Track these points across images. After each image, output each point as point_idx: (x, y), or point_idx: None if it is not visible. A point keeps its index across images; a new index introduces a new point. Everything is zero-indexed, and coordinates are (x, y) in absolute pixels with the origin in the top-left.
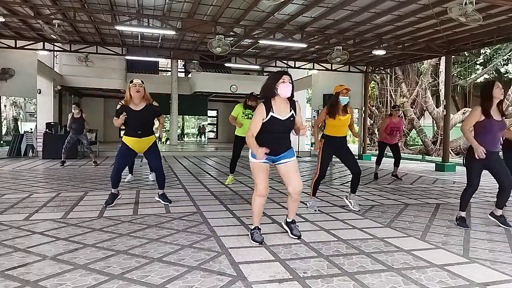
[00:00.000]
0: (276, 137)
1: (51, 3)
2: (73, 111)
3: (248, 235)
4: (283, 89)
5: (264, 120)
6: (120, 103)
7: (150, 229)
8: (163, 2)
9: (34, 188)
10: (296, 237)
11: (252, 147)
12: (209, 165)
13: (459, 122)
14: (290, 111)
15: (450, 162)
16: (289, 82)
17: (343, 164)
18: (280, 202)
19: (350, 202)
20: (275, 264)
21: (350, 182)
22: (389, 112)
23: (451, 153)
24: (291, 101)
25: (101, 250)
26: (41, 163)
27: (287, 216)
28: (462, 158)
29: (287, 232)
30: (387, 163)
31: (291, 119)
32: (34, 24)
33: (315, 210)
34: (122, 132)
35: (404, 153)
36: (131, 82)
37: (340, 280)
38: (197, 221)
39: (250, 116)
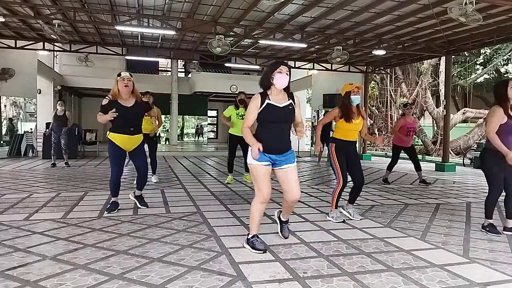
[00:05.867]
0: (276, 130)
1: (51, 3)
2: (58, 107)
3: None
4: (279, 79)
5: (261, 109)
6: (107, 97)
7: (150, 229)
8: (163, 2)
9: (34, 188)
10: (283, 238)
11: (248, 139)
12: (209, 165)
13: (459, 122)
14: (288, 100)
15: (450, 162)
16: (286, 73)
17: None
18: (280, 202)
19: (348, 212)
20: (275, 264)
21: (349, 192)
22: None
23: (451, 153)
24: (289, 93)
25: (101, 250)
26: (41, 163)
27: (281, 212)
28: (462, 158)
29: (277, 224)
30: (386, 163)
31: (290, 107)
32: (34, 24)
33: (343, 221)
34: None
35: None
36: (119, 75)
37: (340, 280)
38: (197, 221)
39: (243, 116)
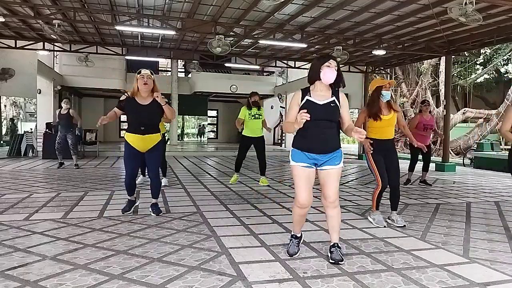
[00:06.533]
0: (316, 129)
1: (51, 3)
2: (63, 105)
3: (248, 235)
4: (327, 73)
5: (300, 105)
6: (125, 94)
7: (150, 229)
8: (163, 2)
9: (34, 188)
10: (333, 261)
11: (288, 124)
12: (209, 165)
13: (459, 122)
14: (332, 97)
15: (450, 162)
16: (335, 68)
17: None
18: (280, 202)
19: (392, 220)
20: (275, 264)
21: (389, 199)
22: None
23: (451, 153)
24: (334, 89)
25: (101, 250)
26: (41, 163)
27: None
28: (462, 158)
29: (328, 257)
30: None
31: (332, 105)
32: (34, 24)
33: (384, 226)
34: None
35: (404, 153)
36: (139, 72)
37: (340, 280)
38: (197, 221)
39: (256, 116)
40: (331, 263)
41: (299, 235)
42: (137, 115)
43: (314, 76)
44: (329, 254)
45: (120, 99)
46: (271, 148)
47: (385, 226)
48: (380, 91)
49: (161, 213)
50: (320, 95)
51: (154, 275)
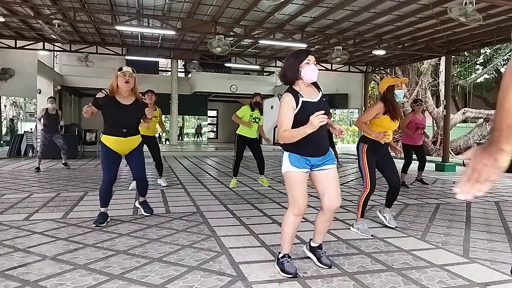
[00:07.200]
0: (314, 132)
1: (51, 3)
2: (48, 104)
3: (248, 235)
4: (308, 72)
5: (296, 110)
6: (104, 91)
7: (150, 229)
8: (163, 2)
9: (34, 188)
10: (327, 267)
11: (300, 132)
12: (209, 165)
13: (459, 122)
14: (319, 92)
15: (450, 162)
16: (314, 64)
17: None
18: (280, 202)
19: (384, 216)
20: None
21: (386, 195)
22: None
23: (451, 153)
24: (315, 84)
25: (101, 250)
26: (41, 163)
27: (311, 240)
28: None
29: (311, 259)
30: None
31: (323, 99)
32: (34, 24)
33: (372, 235)
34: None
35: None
36: (120, 69)
37: (340, 280)
38: (197, 221)
39: (257, 120)
40: (319, 267)
41: (291, 253)
42: (119, 116)
43: (293, 77)
44: (315, 257)
45: (97, 96)
46: (271, 148)
47: (372, 235)
48: (393, 91)
49: (153, 213)
50: (309, 92)
51: (154, 275)
